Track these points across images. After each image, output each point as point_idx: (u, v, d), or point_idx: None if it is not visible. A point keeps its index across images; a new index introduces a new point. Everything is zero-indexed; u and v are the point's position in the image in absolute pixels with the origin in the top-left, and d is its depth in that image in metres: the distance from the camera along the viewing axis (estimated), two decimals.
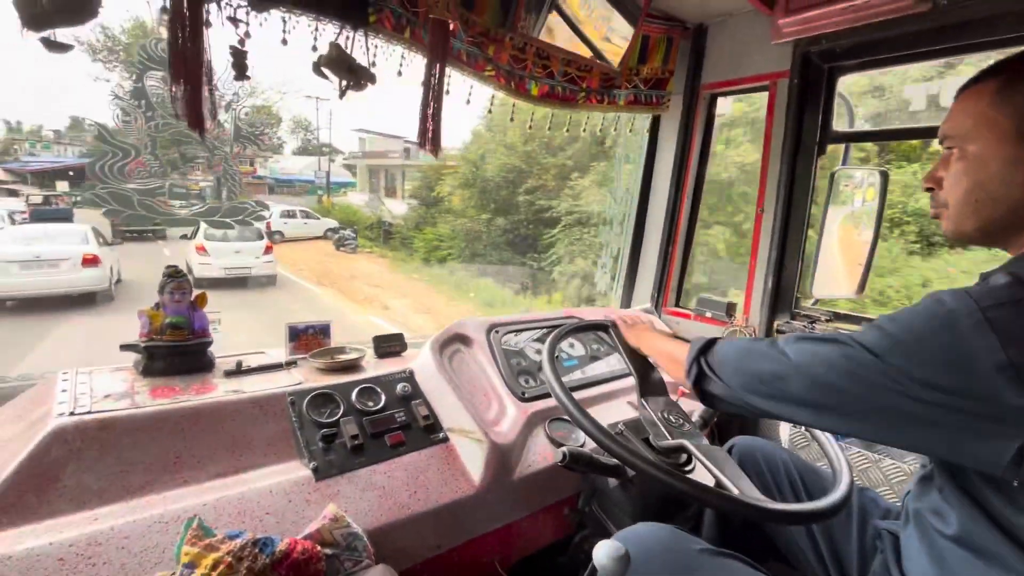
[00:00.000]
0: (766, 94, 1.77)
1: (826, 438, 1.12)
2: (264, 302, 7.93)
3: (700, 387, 0.89)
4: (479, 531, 1.14)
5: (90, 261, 6.46)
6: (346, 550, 0.89)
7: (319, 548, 0.85)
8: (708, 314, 1.97)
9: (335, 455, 1.04)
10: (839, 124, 1.75)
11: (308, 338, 1.37)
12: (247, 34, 1.10)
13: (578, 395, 1.53)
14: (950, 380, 0.57)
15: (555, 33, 1.65)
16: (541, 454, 1.27)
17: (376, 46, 1.39)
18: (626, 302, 2.27)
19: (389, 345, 1.43)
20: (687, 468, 1.17)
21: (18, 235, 7.14)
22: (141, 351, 1.11)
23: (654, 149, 2.15)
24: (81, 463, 0.85)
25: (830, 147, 1.75)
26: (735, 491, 0.89)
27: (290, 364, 1.27)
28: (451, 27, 1.46)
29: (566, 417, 1.35)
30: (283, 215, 15.16)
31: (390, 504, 1.01)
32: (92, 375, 1.08)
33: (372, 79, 1.32)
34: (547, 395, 1.46)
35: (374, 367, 1.33)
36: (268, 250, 8.42)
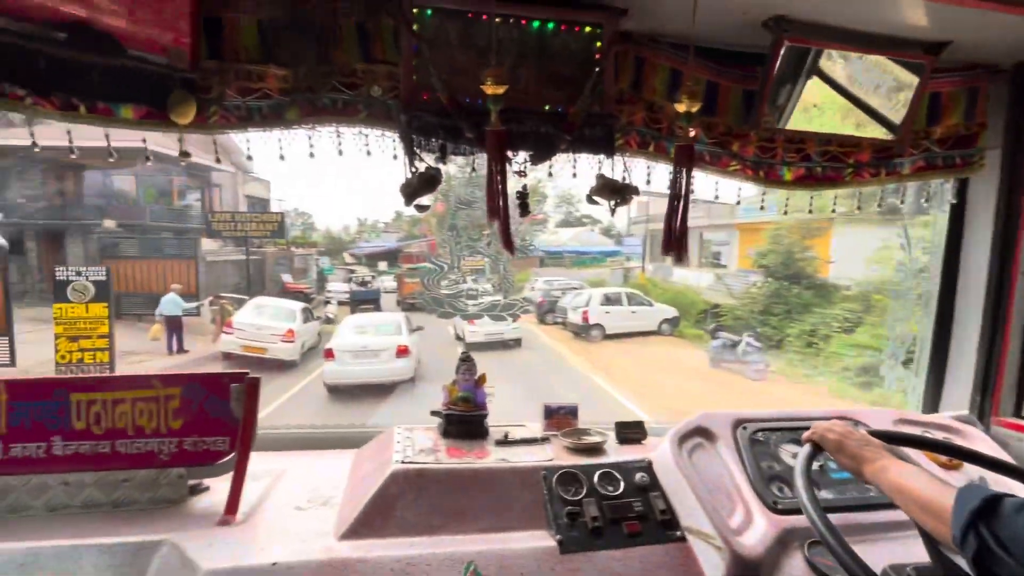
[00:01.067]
0: None
1: None
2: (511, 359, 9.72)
3: (984, 566, 0.69)
4: None
5: (403, 352, 7.51)
6: None
7: None
8: None
9: (578, 532, 1.16)
10: None
11: (559, 418, 1.57)
12: (522, 173, 1.45)
13: (851, 518, 1.30)
14: None
15: (810, 117, 1.58)
16: None
17: (624, 161, 1.59)
18: (931, 405, 1.81)
19: (630, 432, 1.51)
20: None
21: (352, 325, 8.72)
22: (442, 416, 1.48)
23: (961, 216, 1.74)
24: (405, 500, 1.19)
25: None
26: None
27: (544, 440, 1.48)
28: (693, 134, 1.58)
29: None
30: (606, 301, 11.60)
31: None
32: (413, 432, 1.49)
33: (636, 192, 1.50)
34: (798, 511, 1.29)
35: (615, 452, 1.43)
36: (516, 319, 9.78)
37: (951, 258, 1.78)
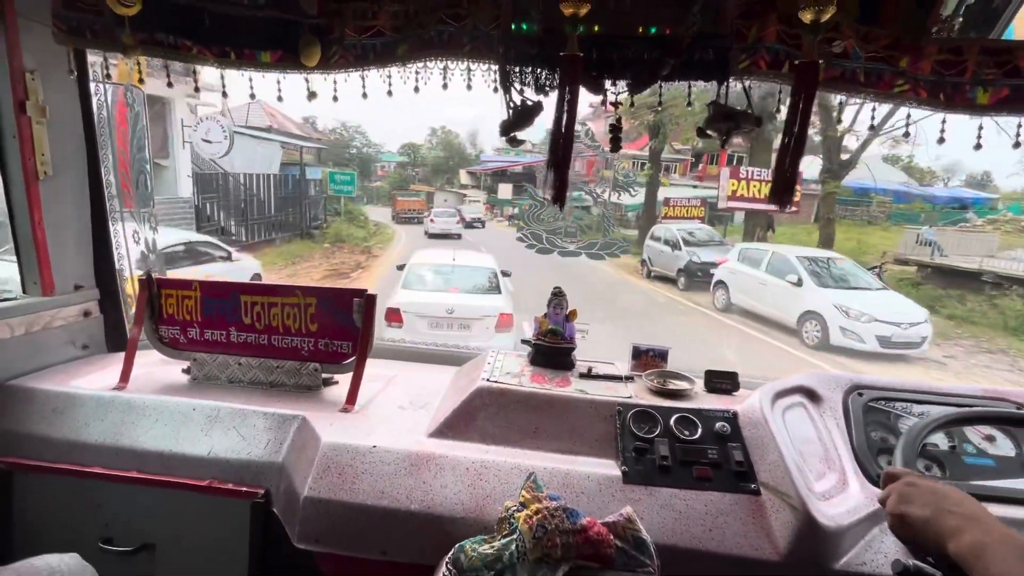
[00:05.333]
0: None
1: None
2: None
3: None
4: None
5: (505, 323, 5.12)
6: (634, 549, 1.03)
7: (612, 537, 1.03)
8: None
9: (644, 467, 1.19)
10: None
11: (648, 359, 1.56)
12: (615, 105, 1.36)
13: None
14: None
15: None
16: (889, 558, 1.03)
17: (749, 86, 1.42)
18: None
19: (720, 381, 1.45)
20: None
21: (428, 269, 6.28)
22: (531, 345, 1.57)
23: None
24: (487, 412, 1.32)
25: None
26: None
27: (628, 379, 1.49)
28: (843, 48, 1.33)
29: None
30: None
31: (682, 530, 1.08)
32: (505, 356, 1.61)
33: (754, 121, 1.34)
34: None
35: (700, 399, 1.39)
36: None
37: None
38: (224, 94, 1.35)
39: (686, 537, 1.07)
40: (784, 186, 1.20)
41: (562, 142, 1.15)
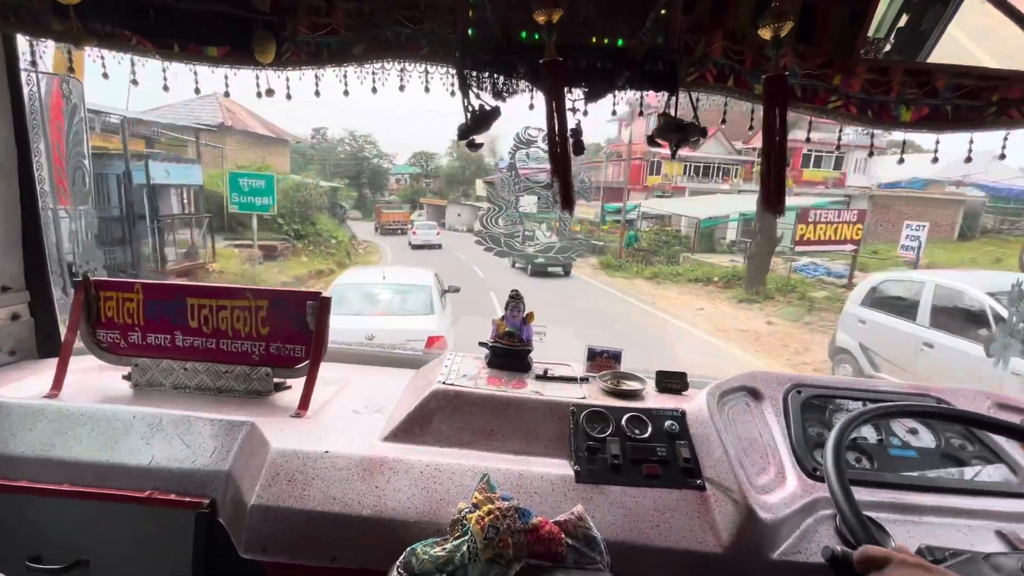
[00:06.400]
0: None
1: None
2: None
3: None
4: None
5: (434, 344, 4.84)
6: (585, 546, 1.06)
7: (563, 536, 1.05)
8: None
9: (596, 466, 1.22)
10: None
11: (602, 360, 1.60)
12: (585, 112, 1.40)
13: (905, 497, 1.22)
14: None
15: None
16: (821, 546, 1.09)
17: (698, 99, 1.48)
18: None
19: (670, 381, 1.50)
20: None
21: (354, 284, 5.95)
22: (488, 348, 1.58)
23: None
24: (443, 415, 1.32)
25: None
26: None
27: (583, 380, 1.53)
28: (783, 64, 1.41)
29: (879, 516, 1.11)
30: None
31: (631, 526, 1.11)
32: (463, 358, 1.61)
33: (701, 133, 1.41)
34: (854, 483, 1.23)
35: (651, 399, 1.44)
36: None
37: None
38: (165, 88, 1.30)
39: (635, 533, 1.11)
40: (775, 195, 1.26)
41: (558, 149, 1.17)
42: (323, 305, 1.53)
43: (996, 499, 1.21)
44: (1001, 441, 1.34)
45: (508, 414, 1.33)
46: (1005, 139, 1.48)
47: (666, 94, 1.36)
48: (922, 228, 8.96)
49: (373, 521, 1.12)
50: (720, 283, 12.16)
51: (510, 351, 1.54)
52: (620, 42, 1.25)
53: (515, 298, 1.58)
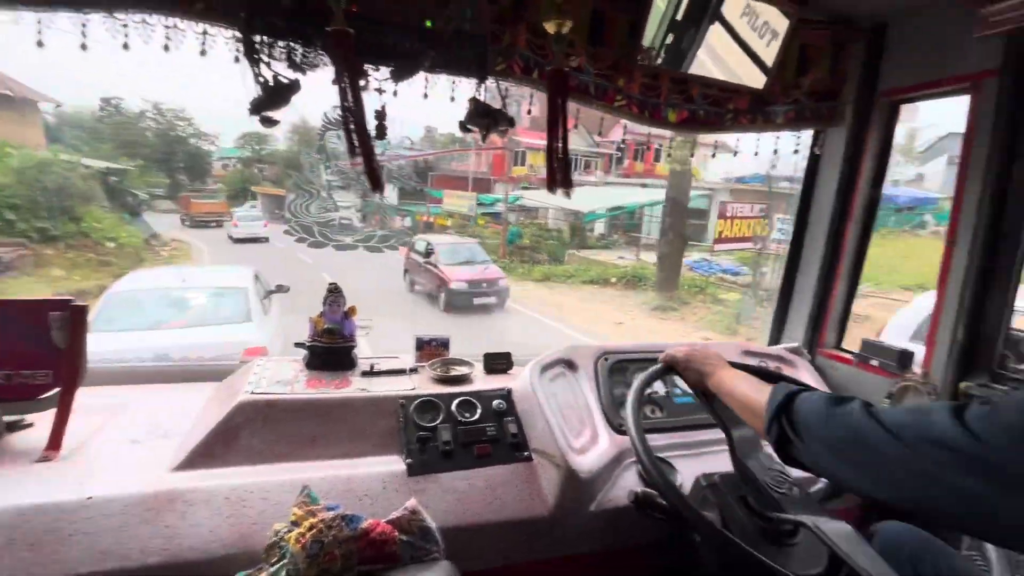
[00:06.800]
0: (965, 99, 1.43)
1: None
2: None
3: (783, 452, 0.81)
4: (548, 554, 1.18)
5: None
6: (420, 540, 1.04)
7: (396, 533, 1.01)
8: (874, 362, 1.66)
9: (428, 456, 1.20)
10: None
11: (431, 349, 1.58)
12: (395, 94, 1.34)
13: (688, 436, 1.45)
14: None
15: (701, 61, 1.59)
16: (627, 491, 1.25)
17: (507, 89, 1.53)
18: (775, 337, 2.03)
19: (497, 362, 1.56)
20: (791, 541, 1.04)
21: (147, 286, 4.72)
22: (306, 348, 1.44)
23: (816, 167, 1.88)
24: (252, 430, 1.16)
25: None
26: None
27: (413, 371, 1.49)
28: (577, 63, 1.53)
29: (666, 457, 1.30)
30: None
31: (465, 509, 1.12)
32: (276, 363, 1.44)
33: (509, 122, 1.45)
34: (650, 431, 1.42)
35: (480, 382, 1.47)
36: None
37: (804, 206, 1.93)
38: None
39: (469, 515, 1.12)
40: (561, 178, 1.37)
41: (354, 128, 1.07)
42: (76, 316, 1.21)
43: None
44: None
45: (332, 417, 1.23)
46: (798, 139, 1.83)
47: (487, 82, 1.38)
48: (787, 220, 9.57)
49: (165, 570, 0.93)
50: (620, 284, 11.04)
51: (331, 349, 1.43)
52: (428, 23, 1.22)
53: (333, 292, 1.46)
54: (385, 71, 1.25)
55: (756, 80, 1.64)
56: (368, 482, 1.12)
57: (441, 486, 1.15)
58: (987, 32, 1.33)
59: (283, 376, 1.35)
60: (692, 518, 0.89)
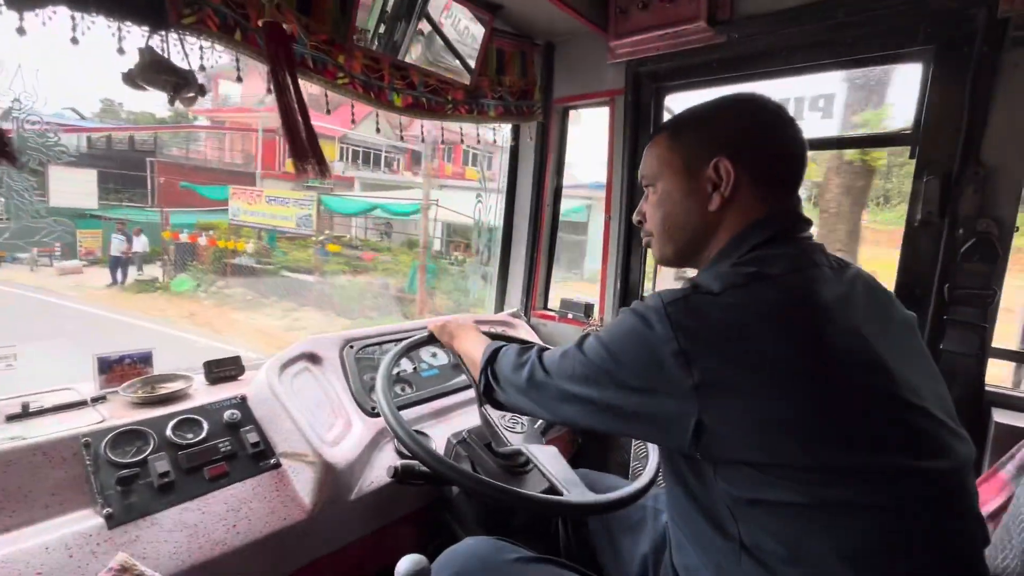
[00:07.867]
0: (607, 109, 1.91)
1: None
2: None
3: (490, 397, 0.94)
4: (313, 556, 1.11)
5: None
6: None
7: None
8: (570, 315, 2.08)
9: (136, 497, 0.96)
10: None
11: (124, 368, 1.25)
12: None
13: (437, 404, 1.55)
14: (649, 373, 0.65)
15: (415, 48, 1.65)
16: (385, 468, 1.26)
17: (202, 48, 1.29)
18: (499, 306, 2.33)
19: (223, 369, 1.34)
20: (527, 468, 1.23)
21: None
22: None
23: (516, 159, 2.22)
24: None
25: None
26: (567, 492, 0.94)
27: (98, 400, 1.15)
28: (289, 31, 1.40)
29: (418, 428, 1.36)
30: None
31: (200, 543, 0.95)
32: None
33: (200, 91, 1.22)
34: (402, 407, 1.46)
35: (204, 395, 1.25)
36: None
37: (510, 195, 2.26)
38: None
39: (208, 547, 0.95)
40: (310, 152, 1.23)
41: None
42: None
43: None
44: None
45: None
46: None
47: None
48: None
49: None
50: None
51: None
52: None
53: None
54: None
55: (463, 76, 1.82)
56: (41, 555, 0.82)
57: (162, 527, 0.94)
58: (615, 60, 1.80)
59: None
60: (446, 471, 0.95)
